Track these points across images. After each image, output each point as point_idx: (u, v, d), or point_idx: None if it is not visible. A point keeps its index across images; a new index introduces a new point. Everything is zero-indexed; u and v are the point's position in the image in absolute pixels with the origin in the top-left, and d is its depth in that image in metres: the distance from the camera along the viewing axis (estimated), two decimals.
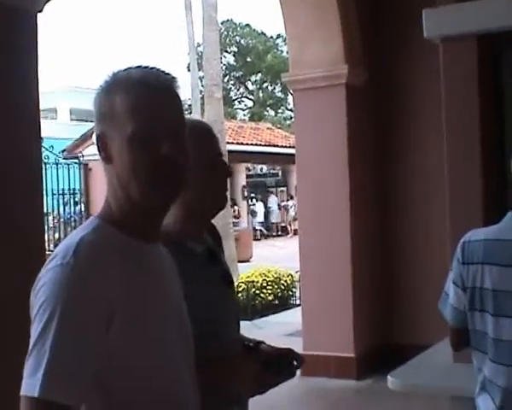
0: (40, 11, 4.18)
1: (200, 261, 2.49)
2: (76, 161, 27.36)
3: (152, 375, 1.77)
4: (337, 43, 8.20)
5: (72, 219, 27.68)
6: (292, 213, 35.10)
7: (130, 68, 1.87)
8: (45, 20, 4.18)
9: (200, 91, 24.64)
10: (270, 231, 35.34)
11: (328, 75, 8.21)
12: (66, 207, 26.89)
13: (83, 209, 27.02)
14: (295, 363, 2.43)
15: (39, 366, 1.58)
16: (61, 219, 24.98)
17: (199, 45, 29.68)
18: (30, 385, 1.58)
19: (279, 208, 36.32)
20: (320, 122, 8.31)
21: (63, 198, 25.57)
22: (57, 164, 22.08)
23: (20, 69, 4.02)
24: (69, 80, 45.02)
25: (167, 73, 1.88)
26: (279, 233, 35.48)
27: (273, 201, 36.20)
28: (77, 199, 27.18)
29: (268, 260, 19.28)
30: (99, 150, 1.85)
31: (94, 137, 1.89)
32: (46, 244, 4.26)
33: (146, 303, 1.78)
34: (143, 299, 1.77)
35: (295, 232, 34.04)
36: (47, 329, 1.61)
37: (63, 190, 24.82)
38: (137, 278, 1.78)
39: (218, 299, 2.49)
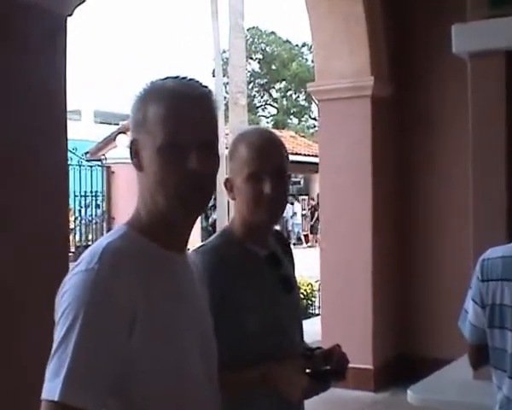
0: (70, 15, 4.20)
1: (261, 264, 2.59)
2: (99, 163, 27.50)
3: (171, 384, 1.78)
4: (363, 55, 8.19)
5: (94, 221, 27.79)
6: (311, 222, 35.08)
7: (167, 78, 1.88)
8: (72, 24, 4.20)
9: (224, 98, 24.67)
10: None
11: (353, 86, 8.20)
12: (88, 210, 27.00)
13: (105, 212, 27.12)
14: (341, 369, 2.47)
15: (60, 371, 1.59)
16: (83, 221, 25.08)
17: (224, 52, 29.74)
18: (50, 389, 1.60)
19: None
20: (344, 133, 8.30)
21: (85, 200, 25.67)
22: (80, 166, 22.21)
23: (48, 71, 4.04)
24: (94, 83, 45.18)
25: (203, 85, 1.90)
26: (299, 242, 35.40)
27: (297, 208, 36.07)
28: (99, 201, 27.29)
29: None
30: (131, 157, 1.87)
31: (128, 142, 1.91)
32: None
33: (168, 311, 1.78)
34: (166, 307, 1.78)
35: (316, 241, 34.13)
36: (69, 333, 1.62)
37: (85, 192, 24.93)
38: (161, 286, 1.79)
39: (275, 302, 2.56)
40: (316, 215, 33.80)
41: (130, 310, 1.68)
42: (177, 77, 1.89)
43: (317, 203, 34.37)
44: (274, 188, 2.52)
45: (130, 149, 1.86)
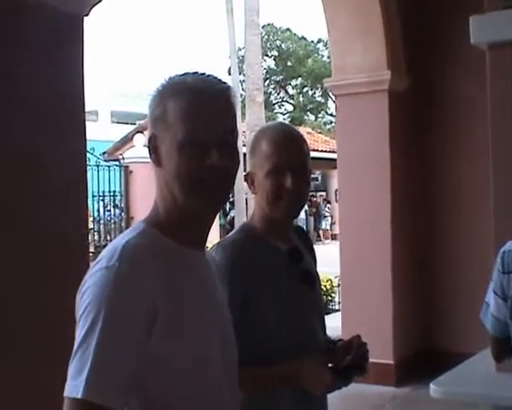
0: (87, 15, 4.22)
1: (282, 258, 2.60)
2: (117, 163, 27.57)
3: (192, 380, 1.78)
4: (380, 49, 8.17)
5: (112, 221, 27.87)
6: (328, 218, 35.02)
7: (186, 74, 1.88)
8: (89, 24, 4.22)
9: (241, 95, 24.67)
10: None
11: (370, 81, 8.18)
12: (107, 210, 27.08)
13: (123, 212, 27.20)
14: (362, 364, 2.48)
15: (83, 368, 1.60)
16: (101, 221, 25.17)
17: (240, 49, 29.75)
18: (74, 387, 1.60)
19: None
20: (362, 128, 8.28)
21: (103, 200, 25.76)
22: (98, 166, 22.28)
23: (66, 71, 4.06)
24: (110, 83, 45.29)
25: (222, 81, 1.90)
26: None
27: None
28: (117, 201, 27.36)
29: None
30: (150, 153, 1.87)
31: (146, 139, 1.91)
32: None
33: (188, 308, 1.78)
34: (186, 303, 1.78)
35: (333, 237, 34.06)
36: (91, 331, 1.62)
37: (103, 192, 25.01)
38: (181, 282, 1.79)
39: (296, 296, 2.58)
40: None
41: (151, 307, 1.68)
42: (195, 72, 1.89)
43: (325, 201, 34.50)
44: (295, 182, 2.53)
45: (149, 144, 1.86)
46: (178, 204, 1.83)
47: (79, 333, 1.65)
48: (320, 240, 33.58)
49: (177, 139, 1.80)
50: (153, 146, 1.85)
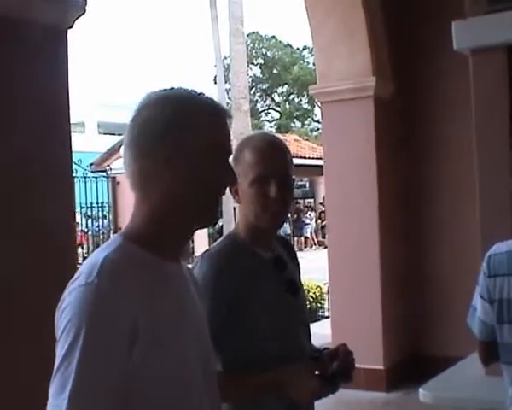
0: (70, 27, 4.22)
1: (266, 267, 2.61)
2: (104, 174, 27.53)
3: (173, 395, 1.79)
4: (365, 56, 8.19)
5: (101, 232, 27.82)
6: (313, 224, 34.94)
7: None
8: (73, 35, 4.22)
9: (227, 104, 24.70)
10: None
11: (355, 87, 8.20)
12: (95, 221, 27.03)
13: (111, 222, 27.15)
14: (347, 372, 2.50)
15: (65, 387, 1.60)
16: (90, 233, 25.12)
17: (225, 58, 29.78)
18: (56, 406, 1.60)
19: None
20: (348, 134, 8.30)
21: (91, 211, 25.70)
22: (85, 177, 22.24)
23: (51, 84, 4.06)
24: (96, 94, 45.22)
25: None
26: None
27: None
28: (105, 212, 27.31)
29: None
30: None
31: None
32: None
33: (168, 322, 1.79)
34: (166, 318, 1.79)
35: (319, 244, 34.08)
36: (72, 349, 1.62)
37: (91, 203, 24.96)
38: (160, 296, 1.80)
39: (281, 304, 2.59)
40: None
41: (131, 322, 1.68)
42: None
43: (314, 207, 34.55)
44: (279, 191, 2.54)
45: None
46: (164, 220, 1.86)
47: (60, 351, 1.65)
48: (301, 249, 33.57)
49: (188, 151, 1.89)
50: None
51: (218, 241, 2.68)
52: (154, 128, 1.85)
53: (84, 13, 4.25)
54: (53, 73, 4.07)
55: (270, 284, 2.58)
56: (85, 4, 4.26)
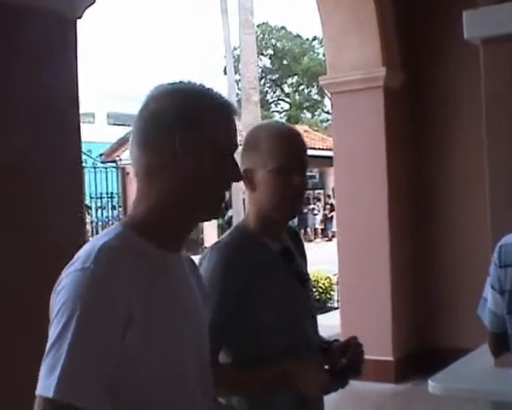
0: (79, 17, 4.21)
1: (275, 258, 2.58)
2: (114, 164, 27.59)
3: (167, 381, 1.79)
4: (374, 46, 8.16)
5: (110, 222, 27.84)
6: (320, 216, 34.84)
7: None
8: (83, 25, 4.21)
9: (237, 94, 24.68)
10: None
11: (365, 78, 8.17)
12: (104, 211, 27.07)
13: (120, 213, 27.20)
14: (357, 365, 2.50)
15: (55, 368, 1.60)
16: (99, 223, 25.15)
17: (235, 49, 29.75)
18: (45, 386, 1.61)
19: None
20: (358, 125, 8.28)
21: (101, 202, 25.75)
22: (95, 168, 22.28)
23: (60, 75, 4.05)
24: (106, 84, 45.19)
25: None
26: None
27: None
28: (114, 203, 27.37)
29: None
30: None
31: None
32: None
33: (163, 310, 1.80)
34: (161, 307, 1.79)
35: (324, 235, 34.08)
36: (65, 331, 1.63)
37: (101, 193, 25.00)
38: (157, 285, 1.80)
39: (290, 295, 2.56)
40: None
41: (125, 309, 1.69)
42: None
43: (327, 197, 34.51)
44: (301, 181, 2.54)
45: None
46: (169, 210, 1.87)
47: (53, 332, 1.66)
48: (311, 240, 33.57)
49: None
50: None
51: (227, 232, 2.66)
52: (161, 121, 1.86)
53: (93, 3, 4.25)
54: (62, 62, 4.06)
55: (279, 276, 2.56)
56: None
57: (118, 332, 1.68)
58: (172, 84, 1.93)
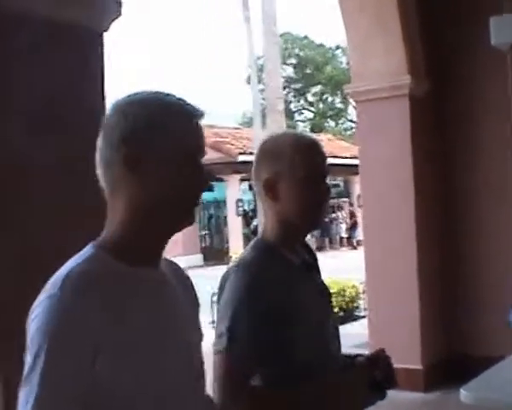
0: (106, 30, 4.23)
1: (298, 271, 2.52)
2: None
3: (143, 407, 1.76)
4: (399, 54, 8.13)
5: None
6: (343, 225, 34.65)
7: None
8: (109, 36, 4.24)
9: (261, 104, 24.68)
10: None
11: (390, 86, 8.14)
12: None
13: None
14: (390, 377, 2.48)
15: (28, 401, 1.63)
16: None
17: (258, 58, 29.80)
18: None
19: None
20: (383, 133, 8.25)
21: None
22: None
23: (87, 85, 4.07)
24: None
25: None
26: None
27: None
28: None
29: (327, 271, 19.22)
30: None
31: None
32: None
33: (138, 332, 1.76)
34: (135, 328, 1.76)
35: (349, 244, 33.96)
36: (35, 364, 1.65)
37: None
38: (129, 307, 1.77)
39: (314, 309, 2.51)
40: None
41: (93, 336, 1.67)
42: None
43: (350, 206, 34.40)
44: (328, 191, 2.54)
45: None
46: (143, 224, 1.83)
47: (27, 362, 1.68)
48: (336, 247, 33.47)
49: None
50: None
51: (248, 248, 2.57)
52: (116, 136, 1.81)
53: (119, 16, 4.27)
54: (89, 75, 4.09)
55: (303, 290, 2.50)
56: (121, 7, 4.28)
57: (86, 359, 1.67)
58: (129, 96, 1.88)
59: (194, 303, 2.06)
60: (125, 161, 1.80)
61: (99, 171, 1.85)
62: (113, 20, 4.25)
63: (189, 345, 1.92)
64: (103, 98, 4.17)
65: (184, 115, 1.88)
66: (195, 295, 2.08)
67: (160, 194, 1.82)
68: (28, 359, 1.67)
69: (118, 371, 1.69)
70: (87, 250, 1.81)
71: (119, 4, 4.26)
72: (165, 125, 1.83)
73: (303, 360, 2.40)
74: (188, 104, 1.90)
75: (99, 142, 1.85)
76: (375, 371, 2.43)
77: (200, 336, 2.01)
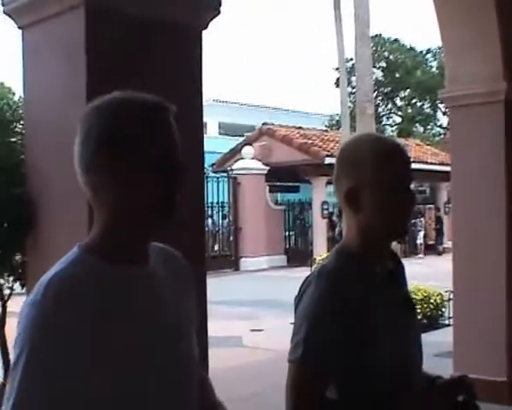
0: (205, 28, 4.29)
1: (381, 282, 2.40)
2: (225, 174, 27.89)
3: (129, 404, 1.76)
4: (495, 59, 7.99)
5: (220, 231, 28.16)
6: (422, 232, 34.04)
7: None
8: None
9: (349, 107, 24.60)
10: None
11: (485, 92, 8.01)
12: (215, 220, 27.42)
13: (231, 222, 27.49)
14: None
15: (10, 399, 1.67)
16: (210, 232, 25.50)
17: (347, 60, 29.70)
18: None
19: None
20: (477, 140, 8.11)
21: (212, 211, 26.09)
22: (207, 177, 22.62)
23: (186, 83, 4.13)
24: (216, 94, 45.71)
25: None
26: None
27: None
28: (225, 212, 27.67)
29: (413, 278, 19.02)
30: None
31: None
32: None
33: (126, 333, 1.76)
34: (118, 330, 1.75)
35: (435, 250, 33.49)
36: (16, 367, 1.68)
37: (212, 202, 25.34)
38: (113, 309, 1.76)
39: (397, 322, 2.38)
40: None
41: (75, 341, 1.68)
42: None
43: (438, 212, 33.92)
44: (414, 198, 2.46)
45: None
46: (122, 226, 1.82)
47: (11, 364, 1.73)
48: (417, 253, 33.03)
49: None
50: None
51: (329, 258, 2.46)
52: (89, 141, 1.81)
53: (218, 14, 4.32)
54: (188, 72, 4.14)
55: (386, 301, 2.38)
56: (220, 6, 4.32)
57: (66, 365, 1.67)
58: (99, 99, 1.86)
59: (188, 288, 2.04)
60: (106, 165, 1.79)
61: (79, 176, 1.84)
62: (211, 19, 4.30)
63: (179, 336, 1.92)
64: (201, 96, 4.23)
65: (147, 112, 1.84)
66: (190, 277, 2.08)
67: (133, 196, 1.81)
68: (12, 361, 1.72)
69: (100, 374, 1.70)
70: (72, 253, 1.82)
71: (219, 3, 4.31)
72: (146, 128, 1.82)
73: (382, 376, 2.29)
74: (151, 101, 1.87)
75: (76, 146, 1.84)
76: (458, 396, 2.40)
77: (194, 321, 2.01)
